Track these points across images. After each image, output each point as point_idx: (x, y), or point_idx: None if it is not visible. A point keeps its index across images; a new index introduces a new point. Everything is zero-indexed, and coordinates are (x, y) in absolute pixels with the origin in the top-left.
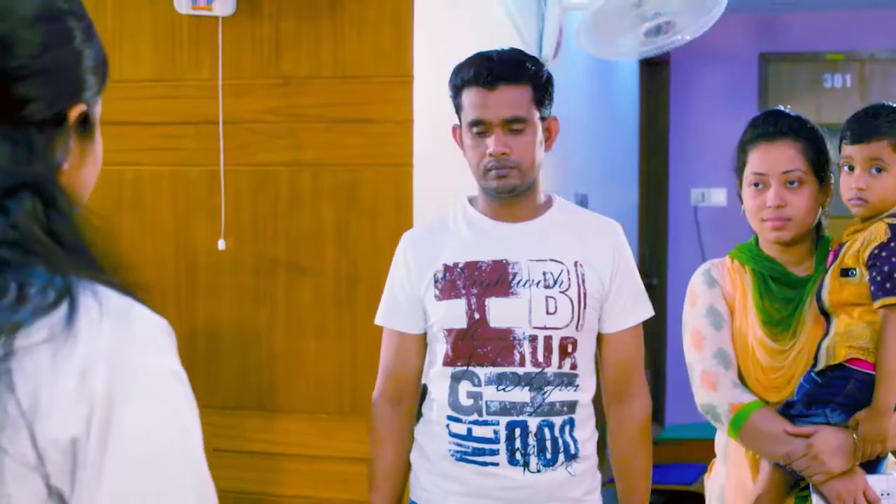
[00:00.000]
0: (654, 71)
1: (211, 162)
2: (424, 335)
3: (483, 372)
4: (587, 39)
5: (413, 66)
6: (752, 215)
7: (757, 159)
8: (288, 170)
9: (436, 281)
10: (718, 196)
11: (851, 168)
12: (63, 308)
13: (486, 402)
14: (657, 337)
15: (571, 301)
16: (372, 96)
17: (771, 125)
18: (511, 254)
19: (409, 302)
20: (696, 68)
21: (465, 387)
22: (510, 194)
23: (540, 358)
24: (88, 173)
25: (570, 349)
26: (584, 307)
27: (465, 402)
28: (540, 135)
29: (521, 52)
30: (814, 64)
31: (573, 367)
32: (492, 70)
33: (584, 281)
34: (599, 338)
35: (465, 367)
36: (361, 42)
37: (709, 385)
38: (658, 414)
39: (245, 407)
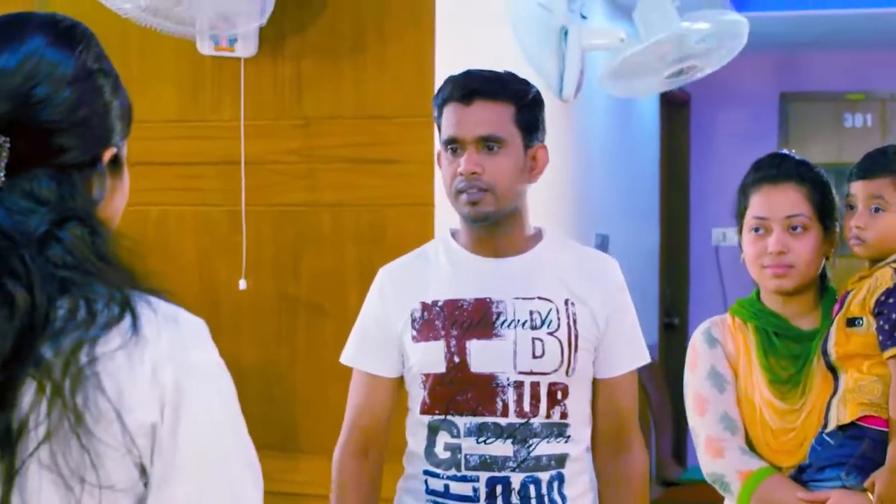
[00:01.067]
0: (675, 110)
1: (232, 202)
2: (398, 380)
3: (462, 422)
4: (611, 82)
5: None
6: (751, 262)
7: (759, 203)
8: (309, 210)
9: (413, 320)
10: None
11: (853, 207)
12: (127, 319)
13: (466, 456)
14: (678, 376)
15: (561, 343)
16: (393, 136)
17: (774, 168)
18: (495, 291)
19: (383, 341)
20: (717, 108)
21: (443, 438)
22: (486, 223)
23: (525, 407)
24: (118, 204)
25: (559, 396)
26: (576, 350)
27: (443, 454)
28: (522, 160)
29: (509, 73)
30: (834, 103)
31: (563, 416)
32: (468, 84)
33: (575, 321)
34: (593, 384)
35: (443, 416)
36: (383, 82)
37: (714, 452)
38: (680, 454)
39: (267, 447)
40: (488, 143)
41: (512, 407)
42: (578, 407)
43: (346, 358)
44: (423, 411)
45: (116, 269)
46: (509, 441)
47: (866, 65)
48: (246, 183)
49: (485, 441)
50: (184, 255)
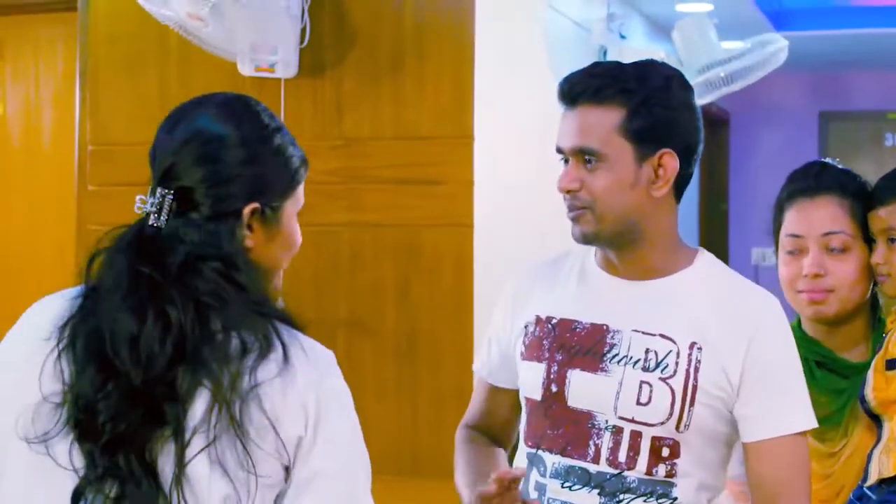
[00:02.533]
0: (714, 129)
1: None
2: (517, 392)
3: (551, 460)
4: None
5: (474, 127)
6: (786, 286)
7: (793, 219)
8: (349, 230)
9: (525, 334)
10: None
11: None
12: (279, 350)
13: (549, 500)
14: None
15: (673, 392)
16: (433, 157)
17: (812, 178)
18: (615, 319)
19: (503, 350)
20: (756, 127)
21: (534, 475)
22: (596, 244)
23: (621, 457)
24: (275, 251)
25: (665, 454)
26: (692, 404)
27: (532, 493)
28: (630, 174)
29: (645, 63)
30: (875, 123)
31: (670, 475)
32: (575, 84)
33: (696, 370)
34: (744, 449)
35: (534, 450)
36: (422, 103)
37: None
38: None
39: None
40: (585, 157)
41: (605, 454)
42: (696, 469)
43: (475, 363)
44: (525, 440)
45: (251, 298)
46: (596, 492)
47: None
48: None
49: (570, 487)
50: None
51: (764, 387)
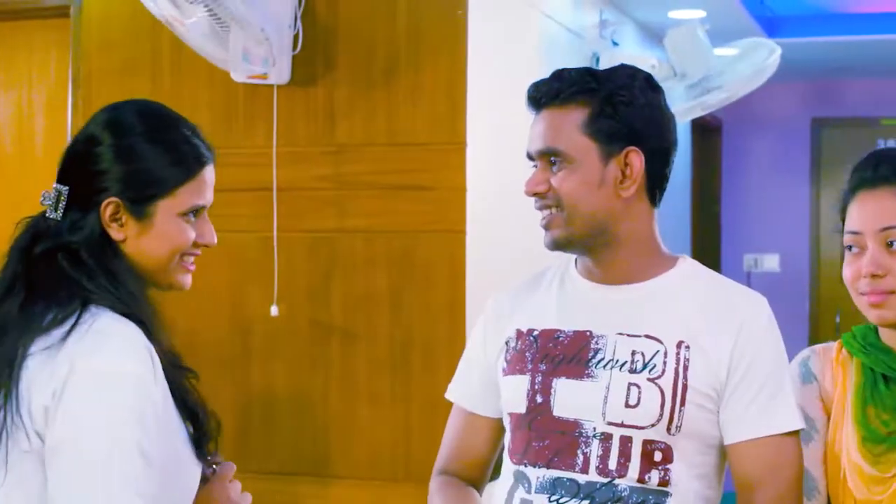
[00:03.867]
0: (707, 136)
1: (265, 228)
2: (499, 421)
3: (535, 474)
4: None
5: (466, 134)
6: (850, 288)
7: (852, 214)
8: (341, 236)
9: (506, 350)
10: (771, 262)
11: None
12: (67, 327)
13: None
14: None
15: (662, 393)
16: (425, 164)
17: (871, 169)
18: (598, 324)
19: (483, 374)
20: (749, 133)
21: (519, 493)
22: (569, 251)
23: (611, 465)
24: (150, 245)
25: (657, 458)
26: (682, 404)
27: None
28: (597, 174)
29: (610, 67)
30: (868, 129)
31: (664, 483)
32: (537, 90)
33: (685, 368)
34: (728, 453)
35: (519, 466)
36: (415, 110)
37: None
38: None
39: (300, 472)
40: (551, 158)
41: (594, 462)
42: (690, 477)
43: (448, 391)
44: (509, 458)
45: (85, 285)
46: (586, 503)
47: None
48: (278, 209)
49: (557, 500)
50: (216, 281)
51: (747, 386)
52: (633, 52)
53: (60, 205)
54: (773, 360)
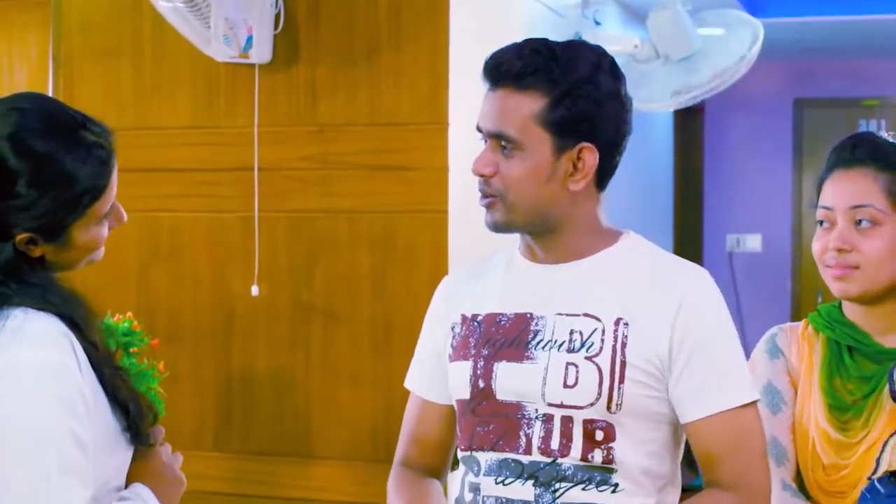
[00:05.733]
0: (688, 117)
1: (246, 208)
2: (451, 408)
3: (484, 458)
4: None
5: (449, 114)
6: (817, 260)
7: (826, 191)
8: (323, 216)
9: (452, 336)
10: (753, 242)
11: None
12: None
13: (483, 498)
14: None
15: (600, 371)
16: (408, 143)
17: (848, 150)
18: (538, 305)
19: (434, 361)
20: (731, 115)
21: (468, 477)
22: (508, 233)
23: (553, 444)
24: (68, 256)
25: (599, 437)
26: (621, 381)
27: (467, 496)
28: (546, 167)
29: (572, 46)
30: (849, 109)
31: (607, 461)
32: (499, 63)
33: (624, 345)
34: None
35: (468, 452)
36: (397, 90)
37: None
38: (693, 460)
39: (280, 453)
40: (501, 142)
41: (536, 443)
42: (636, 454)
43: (406, 379)
44: (459, 445)
45: (20, 293)
46: (530, 483)
47: (882, 71)
48: (260, 189)
49: (503, 482)
50: (197, 261)
51: (697, 363)
52: (615, 32)
53: None
54: (721, 334)
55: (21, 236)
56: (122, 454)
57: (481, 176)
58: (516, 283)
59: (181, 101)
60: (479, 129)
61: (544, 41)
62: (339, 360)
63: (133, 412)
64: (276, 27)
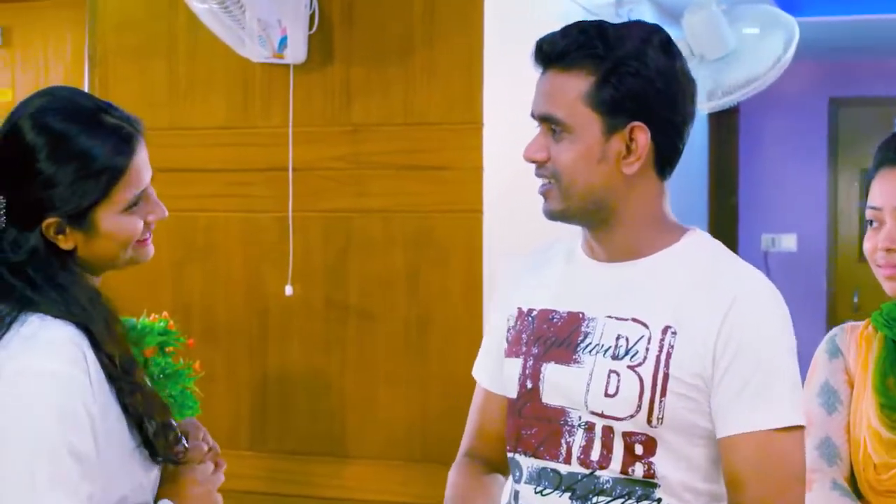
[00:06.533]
0: (723, 117)
1: (280, 208)
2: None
3: (525, 464)
4: None
5: (483, 113)
6: (869, 259)
7: (874, 190)
8: (357, 216)
9: (508, 329)
10: (789, 241)
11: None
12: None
13: None
14: None
15: (641, 382)
16: (442, 143)
17: (893, 150)
18: (591, 305)
19: (496, 350)
20: (765, 114)
21: (511, 483)
22: (565, 222)
23: (593, 455)
24: (99, 246)
25: (640, 451)
26: (663, 394)
27: (512, 502)
28: (597, 148)
29: (623, 25)
30: (885, 109)
31: (649, 475)
32: (545, 45)
33: (668, 356)
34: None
35: (513, 454)
36: (431, 89)
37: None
38: None
39: (316, 452)
40: (551, 126)
41: (576, 453)
42: (677, 470)
43: (474, 368)
44: (506, 444)
45: (42, 295)
46: (567, 495)
47: None
48: (294, 189)
49: (541, 492)
50: (232, 261)
51: (735, 374)
52: None
53: (1, 213)
54: (769, 345)
55: (47, 222)
56: (142, 470)
57: (533, 162)
58: (573, 280)
59: (216, 102)
60: (532, 116)
61: (596, 21)
62: (373, 360)
63: (150, 429)
64: (310, 27)
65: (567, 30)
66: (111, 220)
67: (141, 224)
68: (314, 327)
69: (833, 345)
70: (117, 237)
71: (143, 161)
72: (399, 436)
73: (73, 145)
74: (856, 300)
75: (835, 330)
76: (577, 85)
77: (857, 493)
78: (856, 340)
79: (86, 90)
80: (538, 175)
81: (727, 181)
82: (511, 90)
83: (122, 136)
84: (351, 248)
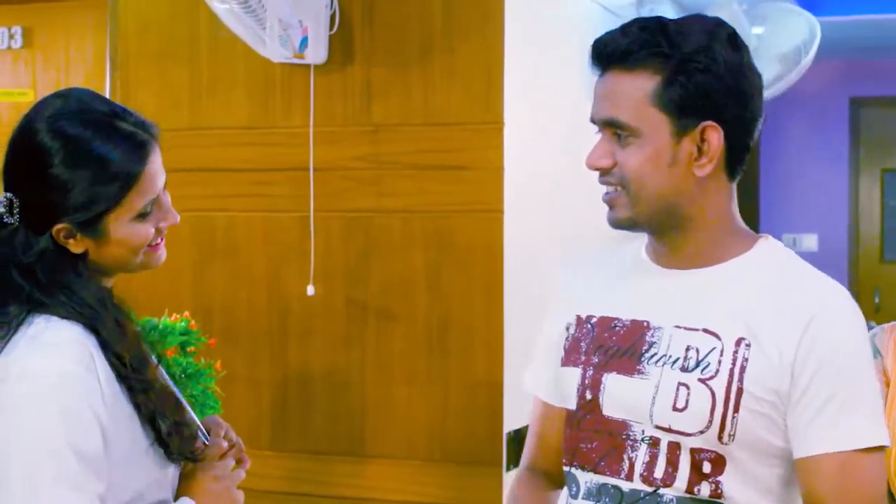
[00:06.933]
0: None
1: (302, 208)
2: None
3: (583, 478)
4: None
5: (503, 113)
6: None
7: None
8: (378, 216)
9: (566, 337)
10: (810, 242)
11: None
12: (8, 333)
13: None
14: None
15: (713, 396)
16: (462, 143)
17: None
18: (656, 314)
19: (550, 359)
20: (786, 114)
21: (567, 497)
22: (631, 230)
23: (657, 473)
24: (110, 252)
25: (707, 469)
26: (736, 409)
27: None
28: (668, 151)
29: (685, 20)
30: None
31: (716, 495)
32: (602, 46)
33: (743, 370)
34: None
35: (569, 468)
36: (452, 89)
37: None
38: None
39: (336, 452)
40: (616, 130)
41: (639, 469)
42: (746, 489)
43: (526, 380)
44: (563, 457)
45: (50, 296)
46: None
47: None
48: (315, 189)
49: None
50: (253, 261)
51: (815, 393)
52: None
53: (15, 211)
54: (850, 363)
55: (58, 227)
56: (158, 468)
57: (597, 169)
58: (636, 286)
59: (237, 102)
60: (592, 121)
61: (655, 17)
62: (394, 360)
63: (162, 427)
64: (331, 28)
65: (627, 28)
66: (123, 226)
67: (152, 231)
68: (334, 327)
69: (872, 345)
70: (128, 243)
71: (156, 167)
72: (419, 436)
73: (87, 151)
74: (877, 300)
75: (874, 329)
76: (642, 85)
77: (889, 493)
78: (894, 340)
79: (107, 91)
80: (602, 182)
81: (748, 181)
82: (531, 90)
83: (137, 143)
84: (371, 247)
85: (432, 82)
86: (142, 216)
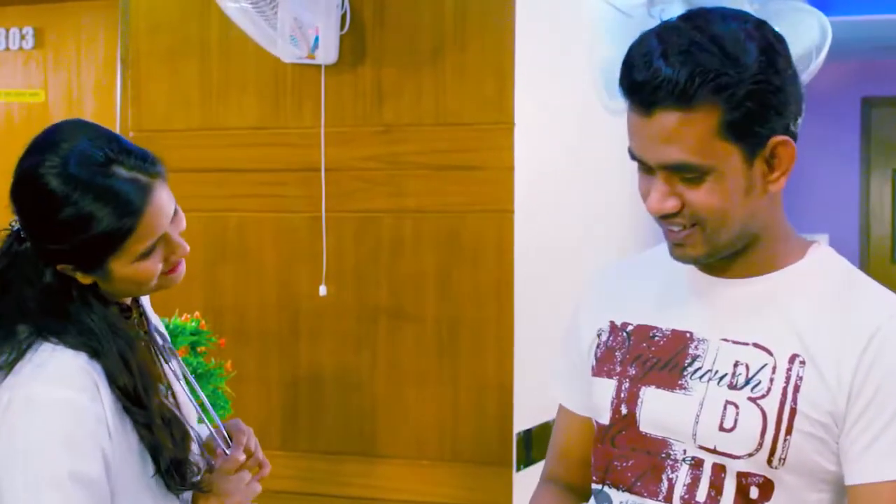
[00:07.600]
0: None
1: (313, 209)
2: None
3: (618, 498)
4: None
5: (515, 113)
6: None
7: None
8: (389, 216)
9: (597, 345)
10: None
11: None
12: (13, 359)
13: None
14: None
15: (764, 416)
16: (473, 143)
17: None
18: (701, 325)
19: (576, 366)
20: None
21: None
22: (700, 263)
23: (699, 496)
24: (117, 287)
25: (753, 495)
26: (788, 432)
27: None
28: (743, 179)
29: (726, 34)
30: None
31: None
32: (646, 83)
33: (797, 389)
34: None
35: (600, 486)
36: (463, 89)
37: None
38: None
39: (346, 452)
40: (682, 174)
41: (679, 491)
42: None
43: (550, 387)
44: (592, 473)
45: (56, 324)
46: None
47: None
48: (326, 190)
49: None
50: (264, 261)
51: (874, 416)
52: None
53: (24, 239)
54: None
55: (61, 266)
56: (166, 498)
57: (664, 215)
58: (679, 294)
59: (248, 102)
60: (635, 159)
61: (690, 36)
62: (405, 360)
63: (162, 465)
64: (342, 28)
65: (667, 59)
66: (125, 267)
67: (159, 266)
68: (345, 327)
69: None
70: (134, 280)
71: (157, 208)
72: (429, 436)
73: (78, 209)
74: None
75: None
76: (705, 122)
77: None
78: None
79: (118, 91)
80: (670, 224)
81: None
82: (542, 90)
83: (135, 190)
84: (383, 248)
85: (443, 83)
86: (145, 255)
